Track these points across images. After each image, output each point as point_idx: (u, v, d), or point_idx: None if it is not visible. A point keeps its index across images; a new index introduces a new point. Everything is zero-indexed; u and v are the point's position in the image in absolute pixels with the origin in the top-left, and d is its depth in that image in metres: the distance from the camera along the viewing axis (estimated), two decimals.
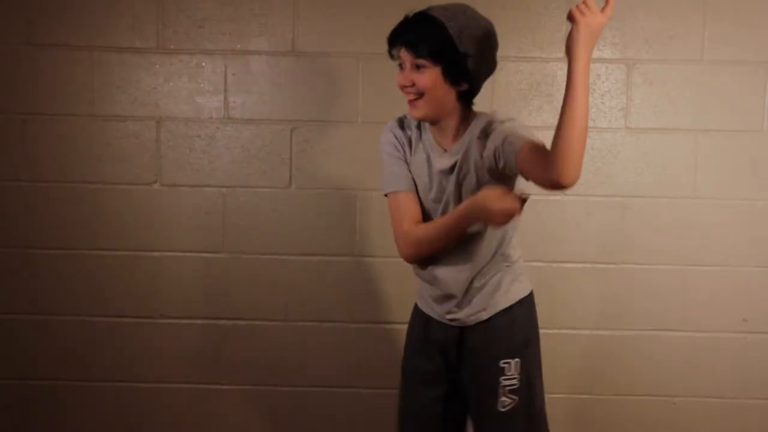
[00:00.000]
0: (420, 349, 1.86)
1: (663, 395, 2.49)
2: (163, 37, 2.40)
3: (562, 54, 2.38)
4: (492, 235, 1.74)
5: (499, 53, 2.36)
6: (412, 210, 1.75)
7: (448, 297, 1.78)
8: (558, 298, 2.46)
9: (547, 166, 1.47)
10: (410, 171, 1.77)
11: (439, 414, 1.84)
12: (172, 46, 2.40)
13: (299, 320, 2.47)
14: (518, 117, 2.39)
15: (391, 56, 1.70)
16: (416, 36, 1.61)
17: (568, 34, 1.50)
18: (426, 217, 1.78)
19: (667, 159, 2.41)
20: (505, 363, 1.73)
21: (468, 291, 1.76)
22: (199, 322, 2.48)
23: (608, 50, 2.39)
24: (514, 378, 1.73)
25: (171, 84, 2.41)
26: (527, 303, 1.83)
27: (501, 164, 1.61)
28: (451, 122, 1.70)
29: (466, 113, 1.71)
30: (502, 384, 1.72)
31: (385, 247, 2.40)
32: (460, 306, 1.77)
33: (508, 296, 1.79)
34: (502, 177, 1.66)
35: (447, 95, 1.65)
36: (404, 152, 1.78)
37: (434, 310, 1.82)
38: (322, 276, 2.45)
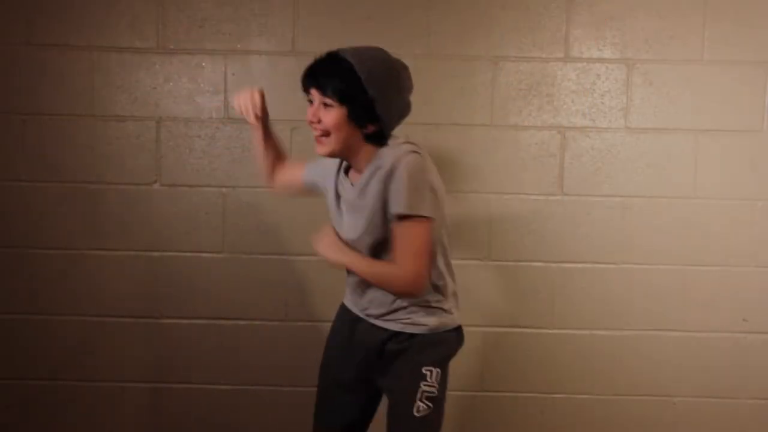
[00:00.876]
0: (344, 353, 1.89)
1: (663, 395, 2.49)
2: (163, 37, 2.40)
3: (562, 54, 2.40)
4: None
5: (499, 53, 2.39)
6: None
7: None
8: (558, 298, 2.46)
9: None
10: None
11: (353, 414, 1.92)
12: (172, 46, 2.40)
13: (299, 320, 2.47)
14: (516, 119, 2.40)
15: (306, 92, 1.72)
16: (324, 76, 1.64)
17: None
18: None
19: (667, 159, 2.41)
20: (427, 370, 1.75)
21: (394, 311, 1.78)
22: (199, 322, 2.48)
23: (608, 50, 2.39)
24: (434, 387, 1.76)
25: (171, 84, 2.41)
26: (454, 335, 1.85)
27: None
28: (359, 160, 1.71)
29: (375, 151, 1.70)
30: (421, 389, 1.74)
31: None
32: (386, 318, 1.80)
33: (434, 323, 1.80)
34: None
35: (353, 135, 1.67)
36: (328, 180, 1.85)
37: (358, 309, 1.85)
38: (322, 276, 2.45)
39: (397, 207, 1.61)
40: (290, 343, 2.47)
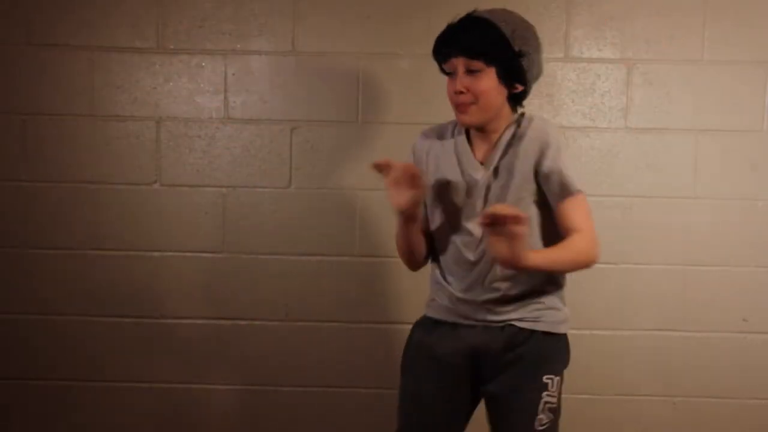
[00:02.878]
0: (423, 371, 1.75)
1: (663, 395, 2.49)
2: (163, 37, 2.40)
3: (562, 54, 2.40)
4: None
5: None
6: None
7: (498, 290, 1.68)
8: None
9: None
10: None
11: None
12: (172, 46, 2.40)
13: (299, 320, 2.47)
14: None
15: (439, 63, 1.65)
16: (467, 39, 1.56)
17: (506, 252, 1.44)
18: (443, 229, 1.72)
19: (667, 159, 2.41)
20: (548, 378, 1.68)
21: (524, 292, 1.68)
22: (199, 322, 2.48)
23: (608, 50, 2.39)
24: (554, 396, 1.68)
25: (171, 84, 2.41)
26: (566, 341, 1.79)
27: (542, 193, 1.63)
28: (498, 125, 1.65)
29: (510, 116, 1.67)
30: (543, 400, 1.67)
31: (385, 247, 2.40)
32: (511, 303, 1.67)
33: (559, 324, 1.74)
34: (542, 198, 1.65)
35: (500, 98, 1.62)
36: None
37: (466, 310, 1.70)
38: (322, 276, 2.45)
39: (567, 188, 1.60)
40: (290, 343, 2.47)
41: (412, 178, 1.58)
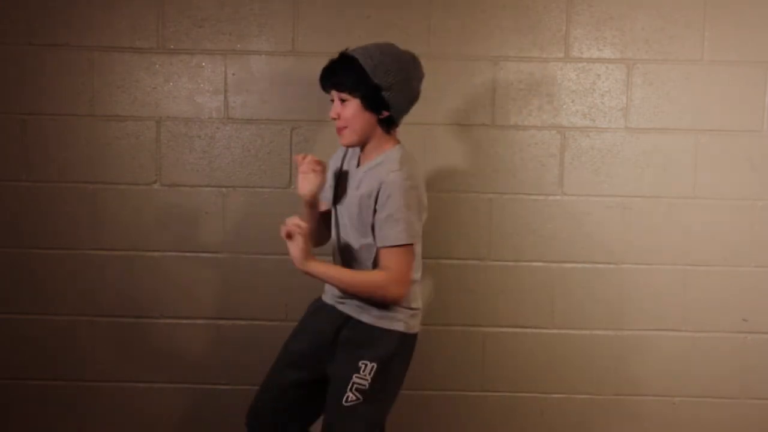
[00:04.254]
0: (298, 331, 2.04)
1: (663, 395, 2.49)
2: (163, 37, 2.40)
3: (562, 54, 2.40)
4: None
5: (499, 53, 2.39)
6: None
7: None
8: (558, 298, 2.46)
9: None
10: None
11: (295, 398, 1.97)
12: (172, 46, 2.40)
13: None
14: (516, 119, 2.40)
15: (327, 93, 1.88)
16: (336, 74, 1.82)
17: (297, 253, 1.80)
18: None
19: (667, 159, 2.41)
20: (363, 363, 1.83)
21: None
22: (199, 322, 2.48)
23: (608, 50, 2.39)
24: (365, 380, 1.82)
25: (171, 84, 2.41)
26: (406, 341, 1.90)
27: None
28: (372, 147, 1.87)
29: (385, 140, 1.87)
30: (353, 380, 1.82)
31: None
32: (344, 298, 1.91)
33: (389, 322, 1.86)
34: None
35: (368, 122, 1.83)
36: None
37: (329, 291, 1.97)
38: None
39: (383, 240, 1.77)
40: None
41: (316, 168, 1.87)
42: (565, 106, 2.41)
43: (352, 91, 1.80)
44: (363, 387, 1.82)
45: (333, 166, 2.00)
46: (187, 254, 2.46)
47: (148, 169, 2.43)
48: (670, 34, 2.38)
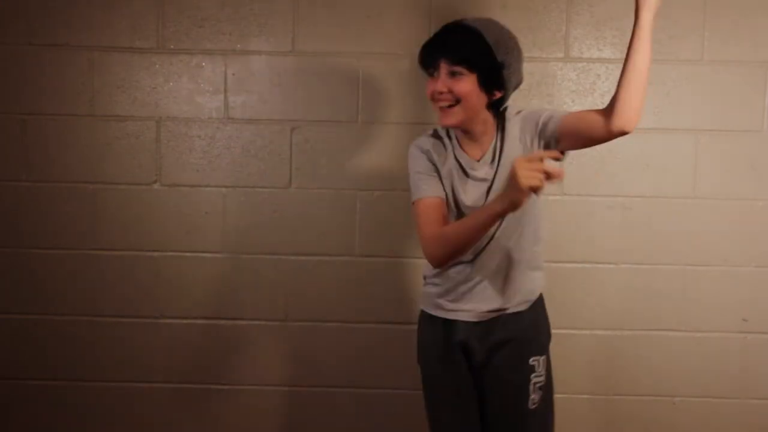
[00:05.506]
0: (441, 357, 1.85)
1: (663, 395, 2.49)
2: (163, 37, 2.40)
3: (562, 54, 2.40)
4: (528, 224, 1.78)
5: None
6: (437, 214, 1.75)
7: (479, 285, 1.80)
8: (558, 298, 2.46)
9: (609, 116, 1.61)
10: (441, 180, 1.78)
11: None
12: (172, 46, 2.40)
13: (299, 320, 2.47)
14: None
15: (424, 66, 1.73)
16: (454, 44, 1.66)
17: None
18: None
19: (667, 159, 2.41)
20: (534, 360, 1.78)
21: (506, 281, 1.78)
22: (199, 322, 2.48)
23: (608, 50, 2.39)
24: (542, 375, 1.79)
25: (171, 84, 2.41)
26: (542, 299, 1.89)
27: (547, 135, 1.70)
28: (481, 129, 1.75)
29: (494, 121, 1.76)
30: (532, 381, 1.77)
31: (385, 247, 2.40)
32: (494, 296, 1.79)
33: (535, 290, 1.83)
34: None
35: (480, 103, 1.70)
36: (435, 164, 1.80)
37: (455, 309, 1.82)
38: (322, 276, 2.45)
39: (553, 113, 1.68)
40: (290, 343, 2.47)
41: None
42: (565, 106, 2.41)
43: (472, 65, 1.65)
44: (541, 383, 1.80)
45: (437, 164, 1.80)
46: (187, 254, 2.46)
47: (148, 169, 2.43)
48: (670, 34, 2.38)
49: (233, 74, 2.41)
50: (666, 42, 2.38)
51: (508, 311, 1.80)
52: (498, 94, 1.71)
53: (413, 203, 1.78)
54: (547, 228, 2.43)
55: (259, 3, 2.39)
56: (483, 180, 1.76)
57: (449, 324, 1.83)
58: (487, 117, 1.74)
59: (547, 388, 1.82)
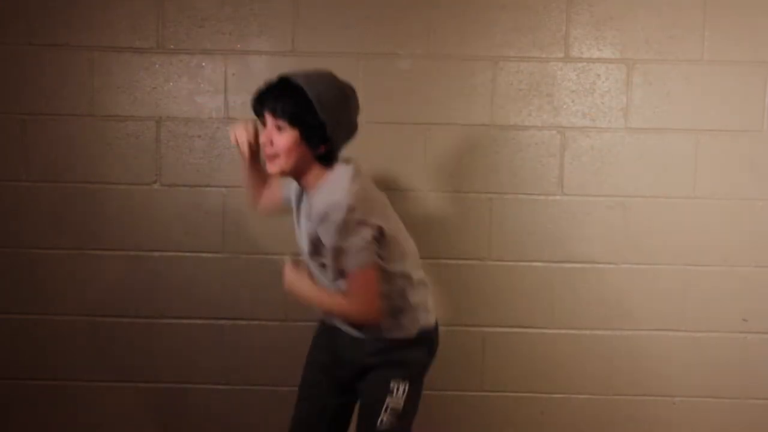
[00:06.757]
0: (318, 344, 2.01)
1: (663, 395, 2.49)
2: (163, 37, 2.40)
3: (562, 54, 2.40)
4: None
5: (499, 53, 2.39)
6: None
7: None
8: (558, 298, 2.46)
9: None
10: None
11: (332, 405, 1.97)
12: (172, 46, 2.40)
13: (299, 320, 2.47)
14: (516, 119, 2.40)
15: (257, 115, 1.79)
16: (277, 100, 1.70)
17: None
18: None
19: (667, 159, 2.41)
20: (395, 384, 1.83)
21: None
22: (199, 322, 2.48)
23: (608, 50, 2.39)
24: (400, 401, 1.83)
25: (171, 84, 2.41)
26: (424, 336, 1.90)
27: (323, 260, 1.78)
28: (309, 180, 1.78)
29: (323, 171, 1.78)
30: (386, 403, 1.82)
31: None
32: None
33: (404, 330, 1.86)
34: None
35: (303, 156, 1.73)
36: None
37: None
38: None
39: (343, 267, 1.73)
40: (290, 343, 2.47)
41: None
42: (565, 106, 2.41)
43: (293, 122, 1.69)
44: (398, 409, 1.83)
45: (294, 188, 1.91)
46: (187, 254, 2.46)
47: (148, 169, 2.43)
48: (670, 34, 2.38)
49: (233, 74, 2.41)
50: (666, 42, 2.38)
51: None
52: (323, 148, 1.74)
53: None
54: (546, 227, 2.44)
55: (259, 3, 2.39)
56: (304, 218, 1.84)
57: None
58: (317, 168, 1.76)
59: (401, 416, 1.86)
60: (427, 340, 1.90)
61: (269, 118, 1.73)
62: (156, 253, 2.46)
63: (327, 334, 1.98)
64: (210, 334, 2.48)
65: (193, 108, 2.42)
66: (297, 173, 1.77)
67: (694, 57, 2.38)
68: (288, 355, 2.48)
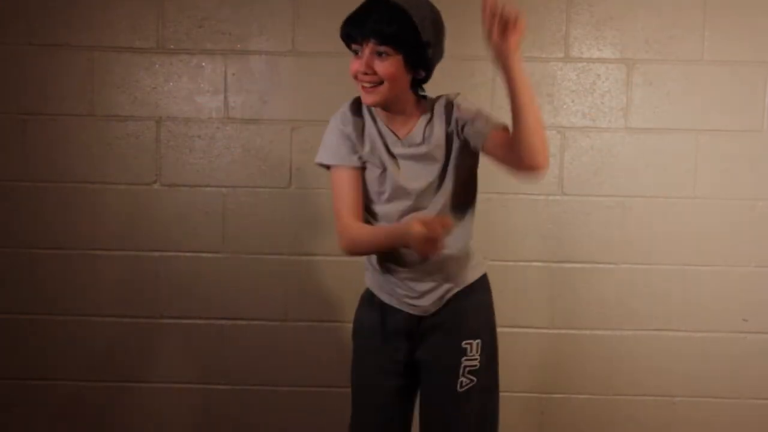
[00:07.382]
0: (379, 338, 1.86)
1: (663, 395, 2.49)
2: (163, 37, 2.40)
3: (562, 54, 2.40)
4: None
5: None
6: (353, 199, 1.72)
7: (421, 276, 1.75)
8: (558, 298, 2.46)
9: (521, 157, 1.53)
10: (360, 159, 1.73)
11: (398, 399, 1.87)
12: (172, 46, 2.40)
13: (299, 320, 2.47)
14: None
15: (347, 42, 1.67)
16: (380, 23, 1.57)
17: (497, 46, 1.49)
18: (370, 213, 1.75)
19: (667, 159, 2.41)
20: (467, 344, 1.74)
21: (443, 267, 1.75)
22: (199, 322, 2.48)
23: (608, 50, 2.39)
24: (475, 359, 1.74)
25: (171, 84, 2.41)
26: (486, 283, 1.86)
27: (466, 141, 1.66)
28: (403, 107, 1.69)
29: (417, 99, 1.71)
30: (462, 365, 1.73)
31: None
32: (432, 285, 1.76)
33: (472, 272, 1.82)
34: (466, 153, 1.69)
35: (404, 82, 1.64)
36: (355, 143, 1.74)
37: (398, 295, 1.78)
38: (322, 276, 2.45)
39: (488, 124, 1.63)
40: (290, 343, 2.47)
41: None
42: (565, 106, 2.41)
43: (398, 46, 1.57)
44: (474, 367, 1.74)
45: (356, 144, 1.74)
46: (187, 254, 2.46)
47: (148, 169, 2.43)
48: (670, 34, 2.38)
49: (233, 74, 2.41)
50: (666, 42, 2.38)
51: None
52: (422, 73, 1.66)
53: (329, 168, 1.73)
54: (546, 227, 2.44)
55: (259, 3, 2.39)
56: (411, 158, 1.70)
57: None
58: (410, 96, 1.69)
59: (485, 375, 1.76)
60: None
61: (370, 44, 1.58)
62: (156, 253, 2.46)
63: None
64: (210, 334, 2.48)
65: (193, 108, 2.42)
66: (393, 102, 1.66)
67: (694, 57, 2.38)
68: (288, 355, 2.48)
